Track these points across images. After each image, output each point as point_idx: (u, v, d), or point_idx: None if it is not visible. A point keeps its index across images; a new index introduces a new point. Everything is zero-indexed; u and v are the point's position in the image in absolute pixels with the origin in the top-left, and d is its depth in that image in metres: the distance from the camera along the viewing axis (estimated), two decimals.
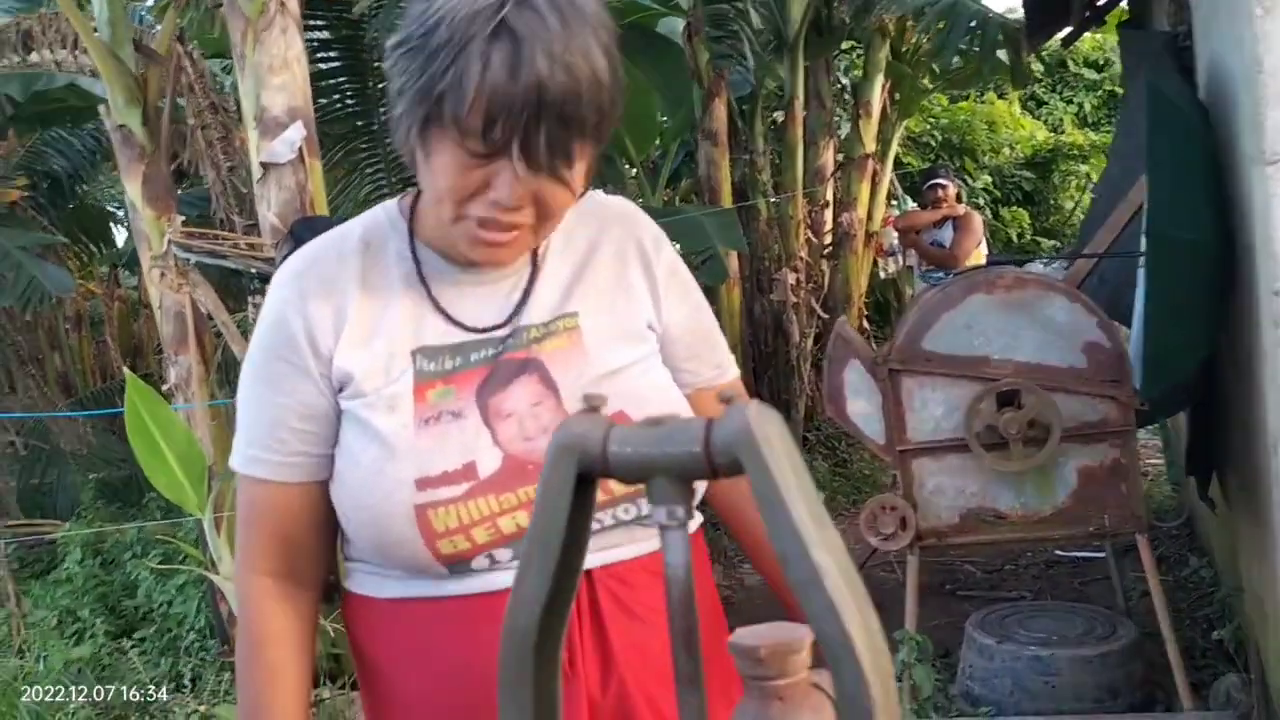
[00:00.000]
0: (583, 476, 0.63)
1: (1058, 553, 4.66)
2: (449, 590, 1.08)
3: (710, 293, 6.19)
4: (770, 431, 0.59)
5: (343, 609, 1.19)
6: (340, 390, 1.10)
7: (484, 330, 1.12)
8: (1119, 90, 10.18)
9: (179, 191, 4.76)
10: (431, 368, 1.10)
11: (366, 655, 1.17)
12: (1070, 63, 11.48)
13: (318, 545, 1.16)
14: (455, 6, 0.98)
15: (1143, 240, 3.06)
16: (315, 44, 4.70)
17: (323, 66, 4.83)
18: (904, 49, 7.69)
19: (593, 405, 0.64)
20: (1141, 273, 3.17)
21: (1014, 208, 10.51)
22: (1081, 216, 8.32)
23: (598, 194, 1.25)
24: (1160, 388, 2.89)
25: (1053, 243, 10.14)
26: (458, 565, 1.07)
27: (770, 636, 0.61)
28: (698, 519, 1.23)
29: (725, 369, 1.28)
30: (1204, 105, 3.05)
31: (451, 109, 0.98)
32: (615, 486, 1.07)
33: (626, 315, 1.17)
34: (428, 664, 1.10)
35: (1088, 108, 11.74)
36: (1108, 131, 10.44)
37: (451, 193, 1.03)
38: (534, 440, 1.08)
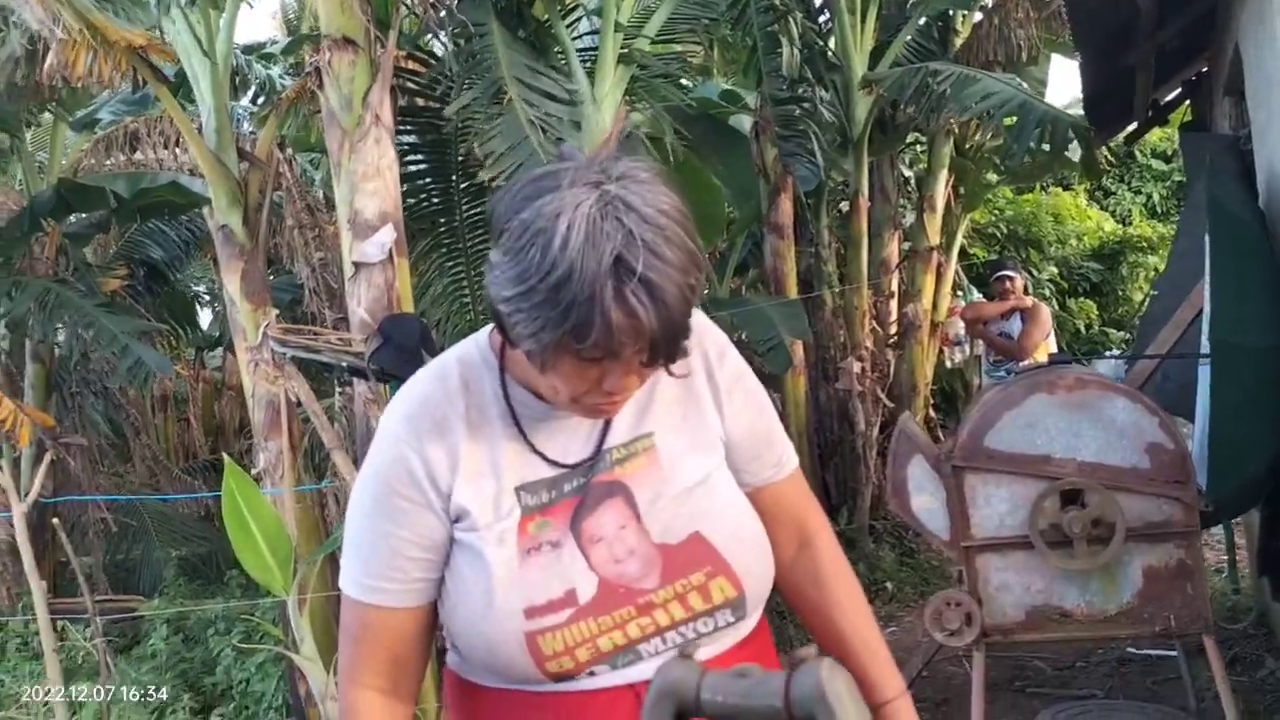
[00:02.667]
0: (679, 716, 0.78)
1: (1130, 650, 4.59)
2: (550, 688, 1.18)
3: (775, 380, 6.28)
4: (840, 689, 0.72)
5: (445, 688, 1.31)
6: (456, 520, 1.21)
7: (574, 465, 1.23)
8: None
9: (270, 278, 5.01)
10: (532, 502, 1.20)
11: None
12: (1138, 154, 11.49)
13: (420, 662, 1.27)
14: (579, 259, 1.01)
15: (1204, 342, 3.10)
16: (405, 147, 4.97)
17: (411, 168, 5.10)
18: (967, 145, 7.82)
19: (685, 653, 0.80)
20: (1204, 373, 3.21)
21: (1081, 299, 10.48)
22: None
23: None
24: (1225, 489, 2.91)
25: (1122, 334, 10.07)
26: (562, 679, 1.18)
27: None
28: (758, 612, 1.30)
29: (783, 465, 1.36)
30: (1263, 212, 3.11)
31: (585, 343, 1.04)
32: (677, 612, 1.19)
33: (697, 427, 1.27)
34: None
35: (1156, 198, 11.72)
36: (1175, 223, 10.42)
37: (570, 391, 1.13)
38: (623, 563, 1.19)
